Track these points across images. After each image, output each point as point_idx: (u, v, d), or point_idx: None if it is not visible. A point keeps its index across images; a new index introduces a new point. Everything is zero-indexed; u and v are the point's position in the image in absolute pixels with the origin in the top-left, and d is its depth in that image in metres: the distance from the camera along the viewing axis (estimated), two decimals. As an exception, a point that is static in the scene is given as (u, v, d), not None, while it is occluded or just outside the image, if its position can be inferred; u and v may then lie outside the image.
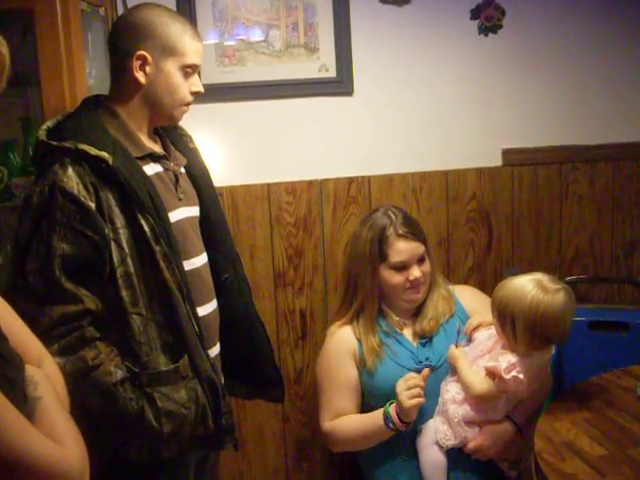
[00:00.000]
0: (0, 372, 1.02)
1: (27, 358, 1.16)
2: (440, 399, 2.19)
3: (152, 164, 1.86)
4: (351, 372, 2.33)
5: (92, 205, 1.64)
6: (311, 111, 2.82)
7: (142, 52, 1.80)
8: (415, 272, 2.30)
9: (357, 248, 2.37)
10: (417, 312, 2.38)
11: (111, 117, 1.83)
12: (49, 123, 1.78)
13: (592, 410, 2.01)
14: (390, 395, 2.21)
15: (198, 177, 2.05)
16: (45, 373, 1.19)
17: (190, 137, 2.13)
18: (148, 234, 1.69)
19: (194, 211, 1.98)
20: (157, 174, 1.86)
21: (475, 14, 2.85)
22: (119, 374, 1.67)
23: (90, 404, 1.65)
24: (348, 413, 2.32)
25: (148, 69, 1.81)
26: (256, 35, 2.74)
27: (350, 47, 2.77)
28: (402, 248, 2.29)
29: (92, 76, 2.36)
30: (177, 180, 1.92)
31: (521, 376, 2.01)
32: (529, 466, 1.86)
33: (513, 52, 2.90)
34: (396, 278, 2.30)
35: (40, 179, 1.69)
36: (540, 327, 1.99)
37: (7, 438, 0.96)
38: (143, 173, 1.77)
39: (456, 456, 2.17)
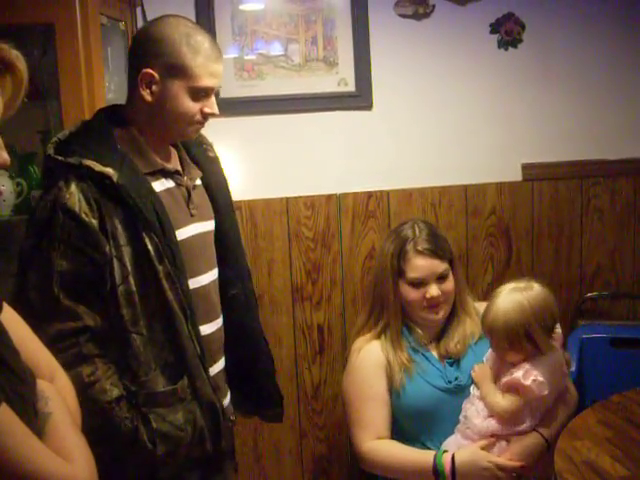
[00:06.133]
0: (10, 387, 1.01)
1: (38, 372, 1.15)
2: (461, 416, 2.16)
3: (163, 180, 1.81)
4: (382, 385, 2.24)
5: (94, 222, 1.62)
6: (330, 125, 2.82)
7: (148, 70, 1.72)
8: (433, 290, 2.23)
9: (379, 262, 2.33)
10: (443, 332, 2.33)
11: (122, 130, 1.78)
12: (60, 135, 1.74)
13: (614, 429, 1.97)
14: (419, 416, 2.18)
15: (215, 189, 1.99)
16: (57, 388, 1.18)
17: (210, 145, 2.06)
18: (152, 253, 1.66)
19: (208, 225, 1.93)
20: (168, 190, 1.81)
21: (495, 28, 2.84)
22: (115, 392, 1.64)
23: (86, 421, 1.62)
24: (384, 429, 2.22)
25: (154, 88, 1.74)
26: (275, 49, 2.74)
27: (369, 61, 2.78)
28: (419, 265, 2.24)
29: (111, 90, 2.37)
30: (189, 195, 1.86)
31: (541, 378, 1.99)
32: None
33: (533, 66, 2.88)
34: (412, 294, 2.25)
35: (45, 195, 1.68)
36: (549, 316, 2.05)
37: (15, 454, 0.96)
38: (151, 190, 1.73)
39: None
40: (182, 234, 1.78)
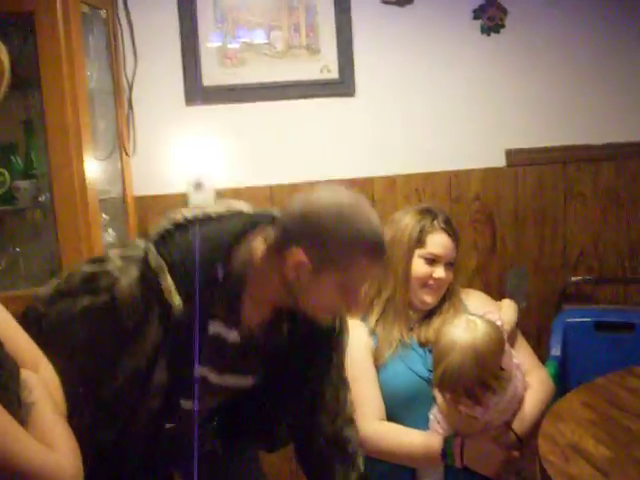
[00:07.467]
0: (-7, 377, 1.01)
1: (22, 363, 1.14)
2: (431, 414, 2.15)
3: (224, 326, 1.60)
4: (371, 363, 2.20)
5: (129, 325, 1.49)
6: (313, 112, 2.81)
7: (301, 255, 1.48)
8: (440, 272, 2.23)
9: (396, 232, 2.25)
10: (424, 318, 2.34)
11: (234, 261, 1.56)
12: (198, 212, 1.57)
13: (597, 411, 1.99)
14: (395, 401, 2.17)
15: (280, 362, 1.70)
16: (41, 378, 1.18)
17: (340, 331, 1.80)
18: (153, 382, 1.53)
19: (243, 380, 1.72)
20: (222, 337, 1.60)
21: (478, 14, 2.85)
22: None
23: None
24: (383, 409, 2.17)
25: (302, 272, 1.50)
26: (258, 37, 2.73)
27: (352, 48, 2.77)
28: (440, 241, 2.23)
29: (93, 78, 2.36)
30: (241, 352, 1.63)
31: (500, 406, 1.99)
32: (533, 470, 1.84)
33: (516, 52, 2.89)
34: (422, 269, 2.23)
35: (111, 269, 1.54)
36: (500, 353, 1.96)
37: None
38: (203, 328, 1.54)
39: (455, 472, 2.08)
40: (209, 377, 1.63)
